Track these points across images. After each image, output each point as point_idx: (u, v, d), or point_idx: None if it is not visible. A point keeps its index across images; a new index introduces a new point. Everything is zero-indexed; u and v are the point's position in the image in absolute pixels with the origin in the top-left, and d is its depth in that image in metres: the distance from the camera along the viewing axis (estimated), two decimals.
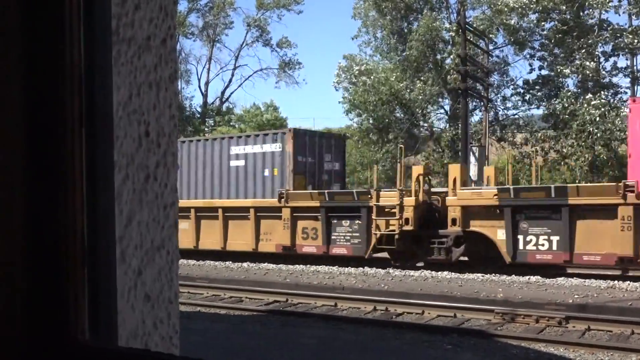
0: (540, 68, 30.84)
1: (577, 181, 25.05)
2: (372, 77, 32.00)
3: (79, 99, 0.81)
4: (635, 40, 27.85)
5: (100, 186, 0.85)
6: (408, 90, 31.79)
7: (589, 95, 26.72)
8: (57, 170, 0.78)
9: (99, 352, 0.81)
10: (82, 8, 0.81)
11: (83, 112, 0.81)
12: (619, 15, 28.95)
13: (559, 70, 28.54)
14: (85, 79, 0.82)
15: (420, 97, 31.34)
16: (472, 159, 20.68)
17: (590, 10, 26.98)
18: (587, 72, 28.07)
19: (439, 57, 32.43)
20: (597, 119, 25.99)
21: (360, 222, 16.17)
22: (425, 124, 34.55)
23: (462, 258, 15.56)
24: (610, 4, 27.24)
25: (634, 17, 28.77)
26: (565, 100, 26.89)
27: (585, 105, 25.78)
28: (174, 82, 1.08)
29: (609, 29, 27.86)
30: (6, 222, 0.74)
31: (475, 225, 14.73)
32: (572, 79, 29.48)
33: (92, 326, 0.81)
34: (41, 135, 0.78)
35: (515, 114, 32.86)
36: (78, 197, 0.80)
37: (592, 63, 28.18)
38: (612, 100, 28.64)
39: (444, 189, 16.58)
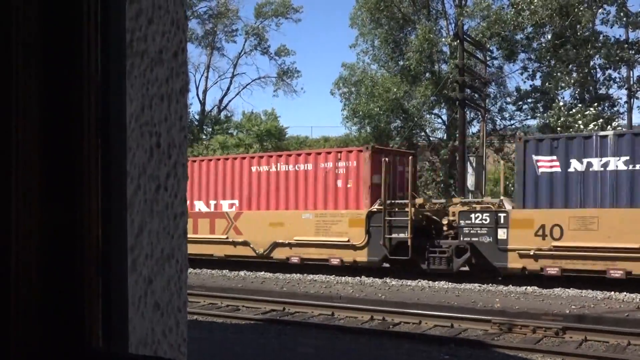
0: (533, 78, 30.94)
1: None
2: (370, 85, 32.08)
3: (95, 111, 0.83)
4: (631, 52, 28.02)
5: (113, 196, 0.86)
6: (407, 99, 31.89)
7: (579, 106, 26.77)
8: (73, 180, 0.80)
9: (115, 359, 0.83)
10: (99, 22, 0.84)
11: (99, 123, 0.83)
12: (610, 27, 29.24)
13: (555, 79, 28.61)
14: (100, 91, 0.84)
15: (418, 105, 31.45)
16: (469, 169, 20.75)
17: (582, 25, 27.07)
18: (580, 82, 28.20)
19: (436, 67, 32.54)
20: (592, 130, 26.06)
21: None
22: (423, 133, 34.65)
23: None
24: (599, 16, 27.40)
25: (630, 29, 28.95)
26: (558, 112, 26.97)
27: (579, 116, 25.85)
28: (184, 95, 1.10)
29: (599, 41, 27.97)
30: (24, 231, 0.76)
31: None
32: (565, 91, 29.59)
33: (104, 334, 0.83)
34: (58, 145, 0.80)
35: (512, 124, 32.97)
36: (93, 207, 0.81)
37: (581, 75, 28.30)
38: (608, 112, 28.72)
39: None
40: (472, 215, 15.08)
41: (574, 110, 26.45)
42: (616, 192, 13.67)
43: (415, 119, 31.87)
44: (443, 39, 31.78)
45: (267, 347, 9.45)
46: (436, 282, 15.20)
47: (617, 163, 13.65)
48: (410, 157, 17.32)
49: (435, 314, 11.48)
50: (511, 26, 28.67)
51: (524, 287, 14.08)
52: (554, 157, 14.31)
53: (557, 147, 14.31)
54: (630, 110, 31.86)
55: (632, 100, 31.57)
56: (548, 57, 29.60)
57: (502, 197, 16.20)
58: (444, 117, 34.45)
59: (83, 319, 0.79)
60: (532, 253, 14.15)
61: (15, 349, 0.75)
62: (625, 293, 13.03)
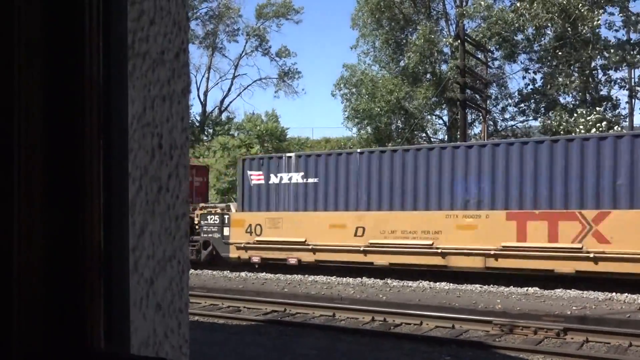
0: (534, 83, 30.85)
1: None
2: (372, 86, 32.01)
3: (98, 112, 0.83)
4: (633, 52, 27.98)
5: (115, 197, 0.86)
6: (408, 99, 31.84)
7: (581, 110, 26.67)
8: (76, 181, 0.80)
9: None
10: (101, 23, 0.84)
11: (101, 124, 0.83)
12: (616, 32, 29.14)
13: (556, 85, 28.52)
14: (102, 92, 0.84)
15: (419, 106, 31.41)
16: None
17: (589, 27, 27.00)
18: (580, 84, 28.14)
19: (437, 67, 32.51)
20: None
21: None
22: (424, 134, 34.61)
23: None
24: (599, 20, 27.34)
25: (632, 31, 28.90)
26: (559, 115, 26.90)
27: (581, 119, 25.77)
28: (186, 96, 1.10)
29: (600, 43, 27.92)
30: (26, 232, 0.76)
31: None
32: (566, 93, 29.51)
33: (106, 334, 0.83)
34: (60, 146, 0.80)
35: (513, 125, 32.91)
36: (96, 208, 0.81)
37: (584, 77, 28.24)
38: (610, 114, 28.62)
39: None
40: (209, 217, 19.08)
41: (575, 115, 26.39)
42: (296, 200, 17.72)
43: (417, 119, 31.85)
44: (444, 40, 31.76)
45: (268, 348, 9.45)
46: (437, 283, 15.20)
47: (297, 177, 17.66)
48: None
49: (436, 315, 11.47)
50: (512, 27, 28.63)
51: (525, 288, 14.07)
52: (261, 172, 18.39)
53: (263, 165, 18.39)
54: (631, 113, 31.79)
55: (633, 101, 31.51)
56: (549, 58, 29.56)
57: (229, 203, 21.09)
58: (445, 118, 34.43)
59: (85, 320, 0.79)
60: (243, 245, 18.21)
61: (17, 349, 0.75)
62: (626, 294, 13.02)
